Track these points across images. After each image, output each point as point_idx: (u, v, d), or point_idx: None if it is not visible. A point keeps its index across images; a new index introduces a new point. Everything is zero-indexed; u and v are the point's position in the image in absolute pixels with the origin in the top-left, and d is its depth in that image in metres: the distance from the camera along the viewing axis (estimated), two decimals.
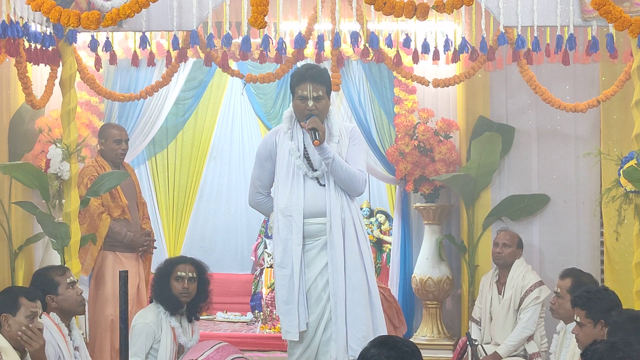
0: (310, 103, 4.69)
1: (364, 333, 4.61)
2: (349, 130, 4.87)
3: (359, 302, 4.68)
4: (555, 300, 5.00)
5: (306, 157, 4.77)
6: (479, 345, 5.89)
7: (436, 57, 6.17)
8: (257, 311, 8.05)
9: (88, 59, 6.76)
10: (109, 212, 6.28)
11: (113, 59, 6.21)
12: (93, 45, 5.79)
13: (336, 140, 4.77)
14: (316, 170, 4.75)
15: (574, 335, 4.67)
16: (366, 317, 4.68)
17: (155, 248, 6.60)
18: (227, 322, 8.17)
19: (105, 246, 6.28)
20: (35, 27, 5.57)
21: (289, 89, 4.87)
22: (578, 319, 4.22)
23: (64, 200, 5.75)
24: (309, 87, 4.69)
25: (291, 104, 4.84)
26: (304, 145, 4.78)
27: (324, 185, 4.75)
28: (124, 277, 3.44)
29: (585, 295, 4.22)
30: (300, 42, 5.82)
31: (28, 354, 4.20)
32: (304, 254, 4.73)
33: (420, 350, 2.96)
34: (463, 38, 5.69)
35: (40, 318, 4.21)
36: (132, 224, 6.40)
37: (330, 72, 5.29)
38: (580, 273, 5.09)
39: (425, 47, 5.99)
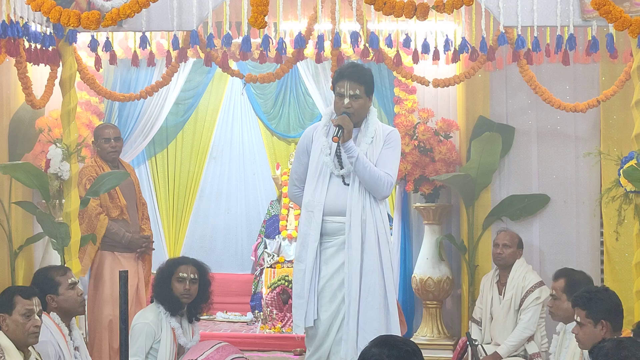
0: (346, 101, 4.69)
1: (375, 336, 4.58)
2: (386, 132, 4.84)
3: (372, 304, 4.66)
4: (552, 302, 4.98)
5: (337, 154, 4.73)
6: (479, 345, 5.89)
7: (436, 57, 6.17)
8: (257, 311, 8.04)
9: (88, 59, 6.76)
10: (107, 213, 6.27)
11: (113, 59, 6.22)
12: (93, 45, 5.79)
13: (369, 141, 4.75)
14: (343, 168, 4.73)
15: (574, 335, 4.67)
16: (379, 321, 4.66)
17: (153, 249, 6.59)
18: (227, 322, 8.17)
19: (104, 246, 6.27)
20: (35, 27, 5.57)
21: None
22: (578, 319, 4.22)
23: (64, 200, 5.75)
24: (346, 85, 4.69)
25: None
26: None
27: (349, 185, 4.73)
28: (124, 277, 3.44)
29: (586, 296, 4.21)
30: (300, 42, 5.82)
31: (32, 354, 4.20)
32: (320, 251, 4.72)
33: (421, 350, 2.96)
34: (463, 38, 5.69)
35: (38, 316, 4.20)
36: (131, 224, 6.39)
37: (332, 73, 5.28)
38: (573, 272, 5.07)
39: (425, 47, 5.99)
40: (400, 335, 4.81)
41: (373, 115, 4.83)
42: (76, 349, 4.74)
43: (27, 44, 5.62)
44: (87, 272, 6.32)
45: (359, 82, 4.70)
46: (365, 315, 4.65)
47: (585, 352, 4.48)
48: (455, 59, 6.16)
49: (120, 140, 6.53)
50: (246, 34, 5.62)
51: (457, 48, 5.96)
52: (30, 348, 4.21)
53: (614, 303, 4.19)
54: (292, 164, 5.04)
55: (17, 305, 4.13)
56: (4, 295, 4.23)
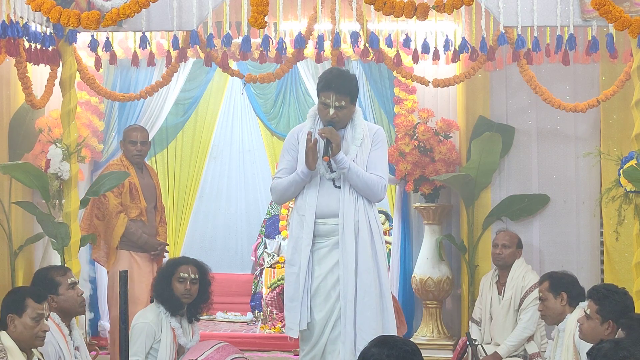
0: (332, 111, 4.68)
1: (372, 336, 4.59)
2: (372, 132, 4.83)
3: (368, 305, 4.66)
4: (541, 305, 5.00)
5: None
6: (479, 345, 5.89)
7: (436, 57, 6.17)
8: (257, 311, 8.05)
9: (88, 59, 6.76)
10: (126, 212, 6.30)
11: (113, 59, 6.22)
12: (93, 45, 5.79)
13: (358, 143, 4.75)
14: (334, 172, 4.74)
15: (565, 332, 4.69)
16: (375, 321, 4.66)
17: (167, 252, 6.59)
18: (227, 322, 8.18)
19: (121, 245, 6.30)
20: (35, 27, 5.57)
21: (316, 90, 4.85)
22: (588, 311, 4.25)
23: (64, 200, 5.75)
24: (331, 97, 4.66)
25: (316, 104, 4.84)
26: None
27: (340, 187, 4.73)
28: (123, 277, 3.44)
29: (603, 292, 4.24)
30: (300, 42, 5.83)
31: (34, 354, 4.20)
32: (313, 253, 4.72)
33: (420, 350, 2.97)
34: (463, 38, 5.69)
35: (47, 320, 4.21)
36: (148, 226, 6.41)
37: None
38: (555, 272, 5.10)
39: (425, 47, 6.00)
40: (396, 334, 4.82)
41: (359, 115, 4.83)
42: (76, 349, 4.75)
43: (27, 44, 5.63)
44: (89, 271, 6.33)
45: (345, 93, 4.68)
46: (362, 316, 4.65)
47: (579, 346, 4.50)
48: (455, 59, 6.16)
49: (147, 144, 6.55)
50: (246, 34, 5.63)
51: (457, 48, 5.96)
52: (33, 349, 4.21)
53: (628, 309, 4.21)
54: (278, 164, 4.98)
55: (28, 309, 4.13)
56: (14, 296, 4.22)
